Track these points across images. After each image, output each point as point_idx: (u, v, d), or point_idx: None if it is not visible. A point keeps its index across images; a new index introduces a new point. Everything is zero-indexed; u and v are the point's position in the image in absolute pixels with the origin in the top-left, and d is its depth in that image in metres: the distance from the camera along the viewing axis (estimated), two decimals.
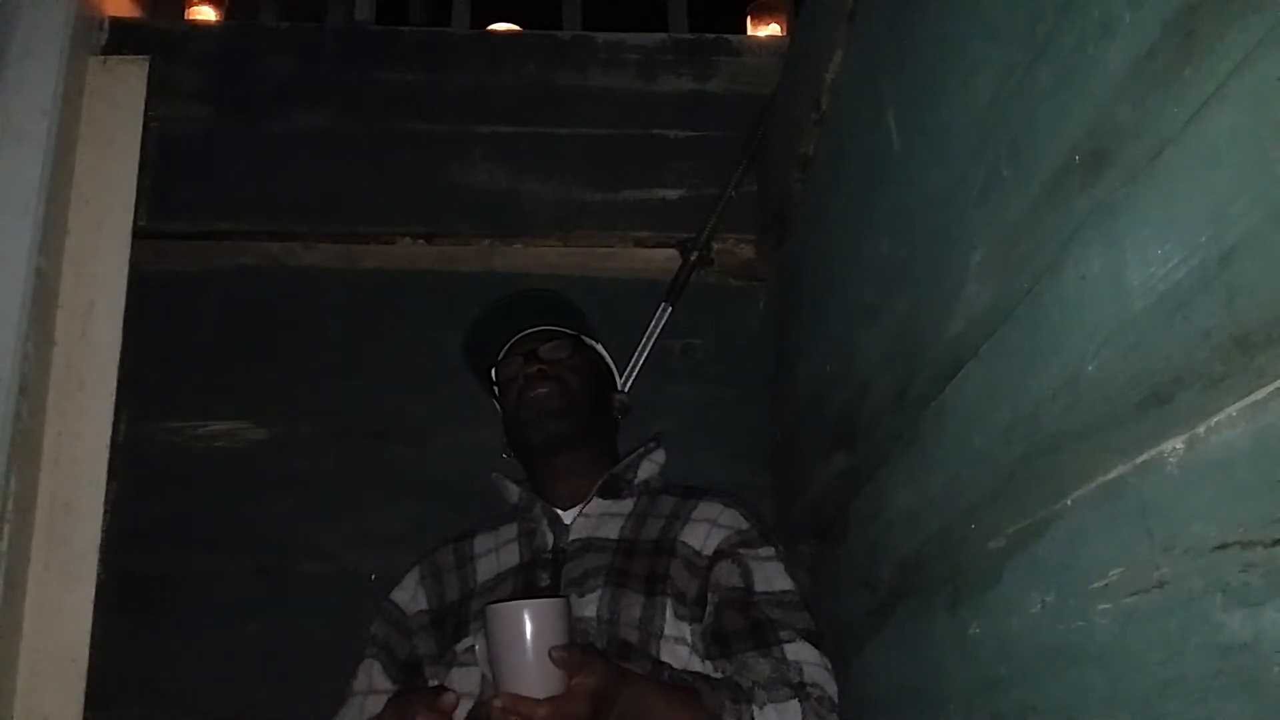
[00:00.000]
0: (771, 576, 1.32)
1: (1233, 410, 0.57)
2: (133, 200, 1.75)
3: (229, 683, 1.65)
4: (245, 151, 1.90)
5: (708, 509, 1.41)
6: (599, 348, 1.60)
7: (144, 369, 1.74)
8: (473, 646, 1.31)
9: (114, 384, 1.66)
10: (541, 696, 1.02)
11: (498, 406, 1.56)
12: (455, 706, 1.14)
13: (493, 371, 1.55)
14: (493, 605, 1.08)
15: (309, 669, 1.56)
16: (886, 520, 1.16)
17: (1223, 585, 0.57)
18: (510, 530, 1.47)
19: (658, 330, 1.81)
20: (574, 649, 1.05)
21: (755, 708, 1.17)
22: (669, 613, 1.30)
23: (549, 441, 1.44)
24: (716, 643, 1.27)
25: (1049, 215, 0.74)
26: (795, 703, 1.19)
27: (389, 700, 1.25)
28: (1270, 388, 0.54)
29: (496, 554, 1.44)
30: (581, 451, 1.45)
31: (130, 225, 1.74)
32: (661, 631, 1.29)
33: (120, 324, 1.68)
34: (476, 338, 1.57)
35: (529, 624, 1.04)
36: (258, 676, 1.66)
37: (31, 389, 1.54)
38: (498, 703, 1.03)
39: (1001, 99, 0.81)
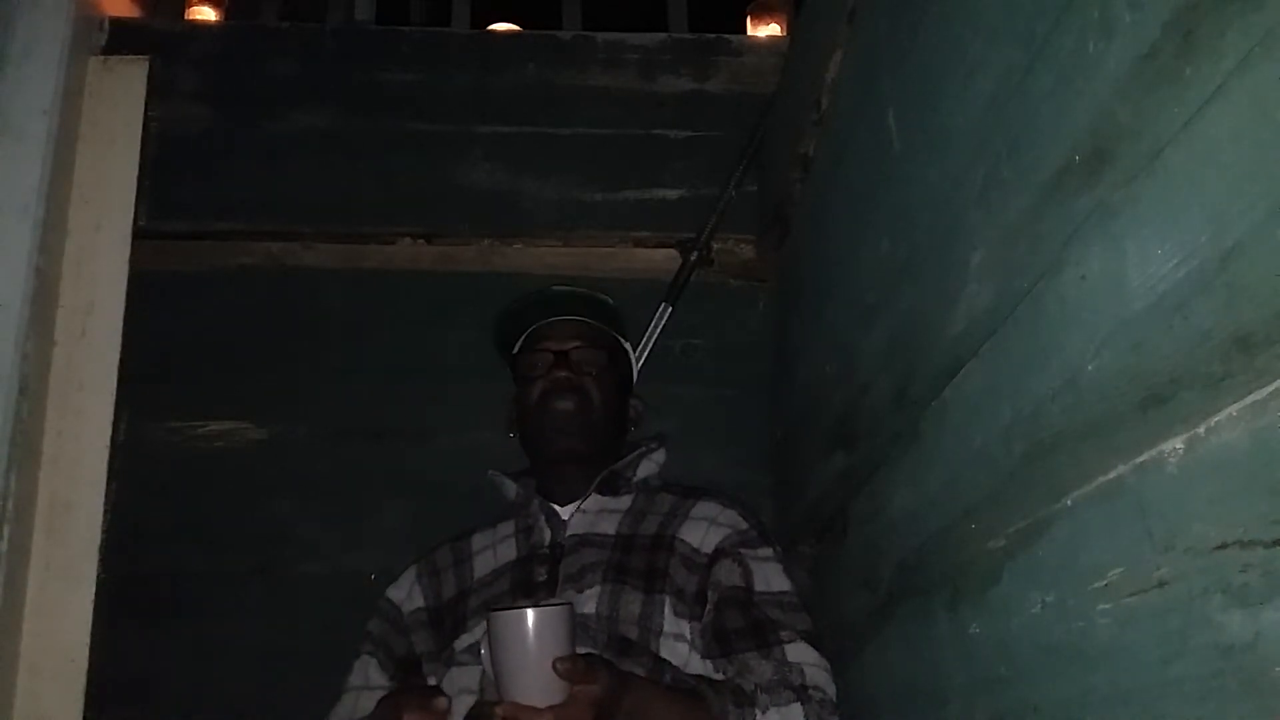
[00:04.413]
0: (770, 577, 1.32)
1: (1233, 410, 0.57)
2: (133, 200, 1.75)
3: (229, 683, 1.65)
4: (245, 151, 1.90)
5: (706, 508, 1.41)
6: (629, 349, 1.59)
7: (144, 369, 1.74)
8: (472, 645, 1.31)
9: (114, 384, 1.66)
10: (544, 704, 1.02)
11: (511, 374, 1.55)
12: (448, 709, 1.14)
13: (517, 344, 1.53)
14: (496, 612, 1.07)
15: (309, 669, 1.55)
16: (886, 520, 1.16)
17: (1223, 585, 0.57)
18: (507, 527, 1.47)
19: (658, 330, 1.81)
20: (577, 658, 1.05)
21: (758, 711, 1.17)
22: (668, 609, 1.31)
23: (564, 455, 1.44)
24: (716, 641, 1.27)
25: (1049, 215, 0.74)
26: (798, 705, 1.19)
27: (381, 699, 1.25)
28: (1270, 388, 0.54)
29: (494, 550, 1.45)
30: (592, 462, 1.45)
31: (130, 225, 1.74)
32: (661, 628, 1.30)
33: (120, 324, 1.69)
34: (516, 311, 1.53)
35: (532, 631, 1.04)
36: (258, 676, 1.66)
37: (31, 389, 1.54)
38: (500, 711, 1.03)
39: (1001, 99, 0.81)
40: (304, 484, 1.77)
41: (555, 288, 1.55)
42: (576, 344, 1.47)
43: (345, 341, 1.85)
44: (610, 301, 1.55)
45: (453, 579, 1.44)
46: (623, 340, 1.57)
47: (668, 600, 1.31)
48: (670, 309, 1.83)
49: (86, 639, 1.55)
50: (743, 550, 1.34)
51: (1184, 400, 0.60)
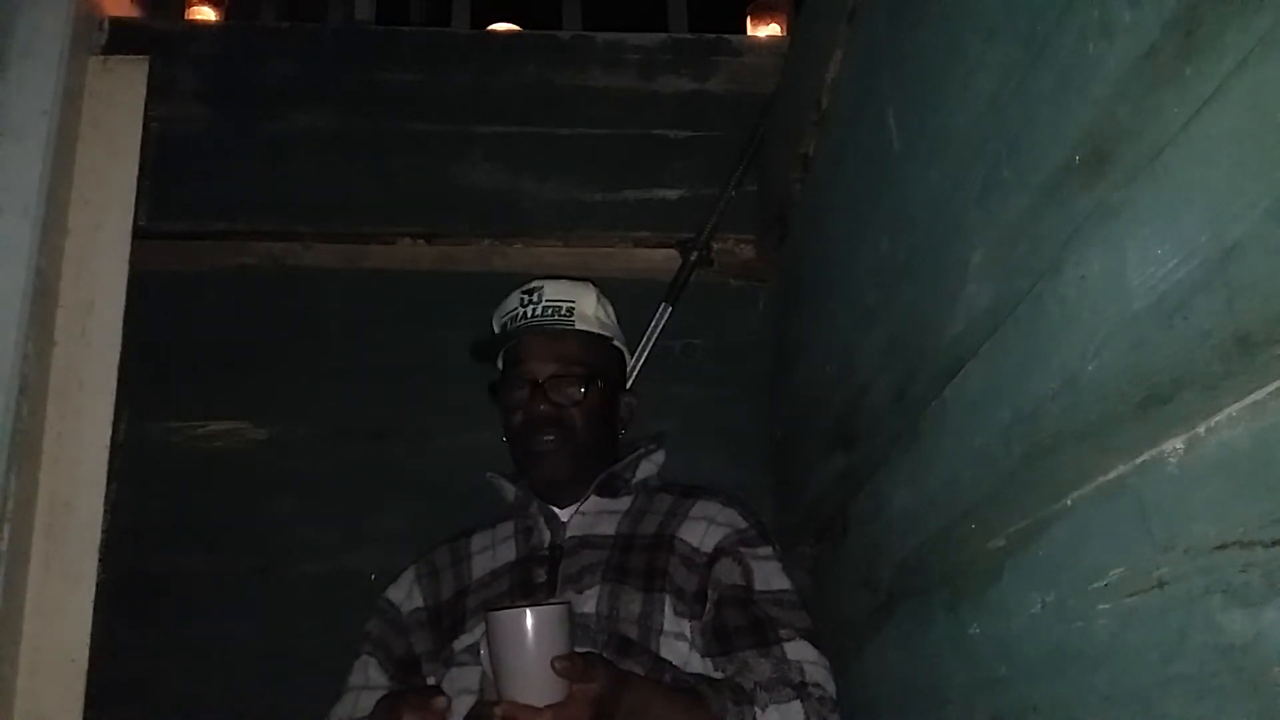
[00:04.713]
0: (770, 576, 1.32)
1: (1233, 410, 0.57)
2: (133, 200, 1.75)
3: (229, 683, 1.65)
4: (245, 151, 1.90)
5: (706, 507, 1.41)
6: (620, 346, 1.53)
7: (144, 369, 1.74)
8: (471, 645, 1.31)
9: (114, 384, 1.66)
10: (543, 703, 1.02)
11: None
12: (446, 708, 1.14)
13: (500, 359, 1.50)
14: (494, 612, 1.07)
15: (308, 669, 1.56)
16: (886, 520, 1.16)
17: (1223, 585, 0.57)
18: (507, 528, 1.47)
19: (658, 330, 1.81)
20: (576, 657, 1.05)
21: (758, 709, 1.17)
22: (668, 608, 1.31)
23: (549, 483, 1.42)
24: (716, 640, 1.27)
25: (1049, 215, 0.74)
26: (797, 703, 1.19)
27: (380, 699, 1.25)
28: (1270, 388, 0.54)
29: (493, 550, 1.45)
30: (584, 472, 1.43)
31: (130, 225, 1.74)
32: (661, 627, 1.29)
33: (120, 324, 1.69)
34: (495, 332, 1.50)
35: (530, 631, 1.04)
36: (257, 676, 1.66)
37: (31, 389, 1.55)
38: (499, 711, 1.03)
39: (1001, 99, 0.81)
40: (304, 484, 1.77)
41: (534, 295, 1.48)
42: (555, 368, 1.41)
43: (345, 341, 1.85)
44: (594, 310, 1.48)
45: (451, 579, 1.44)
46: (612, 339, 1.51)
47: (667, 599, 1.31)
48: (670, 309, 1.83)
49: (86, 639, 1.55)
50: (742, 549, 1.34)
51: (1184, 400, 0.60)
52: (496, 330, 1.51)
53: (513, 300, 1.50)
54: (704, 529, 1.37)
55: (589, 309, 1.48)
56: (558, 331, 1.44)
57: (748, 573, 1.32)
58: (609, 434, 1.48)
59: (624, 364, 1.56)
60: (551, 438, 1.39)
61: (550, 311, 1.45)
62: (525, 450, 1.42)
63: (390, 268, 1.90)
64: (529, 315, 1.46)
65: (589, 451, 1.43)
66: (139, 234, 1.76)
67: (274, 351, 1.83)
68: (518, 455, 1.45)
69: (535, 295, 1.48)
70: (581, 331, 1.46)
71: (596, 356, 1.46)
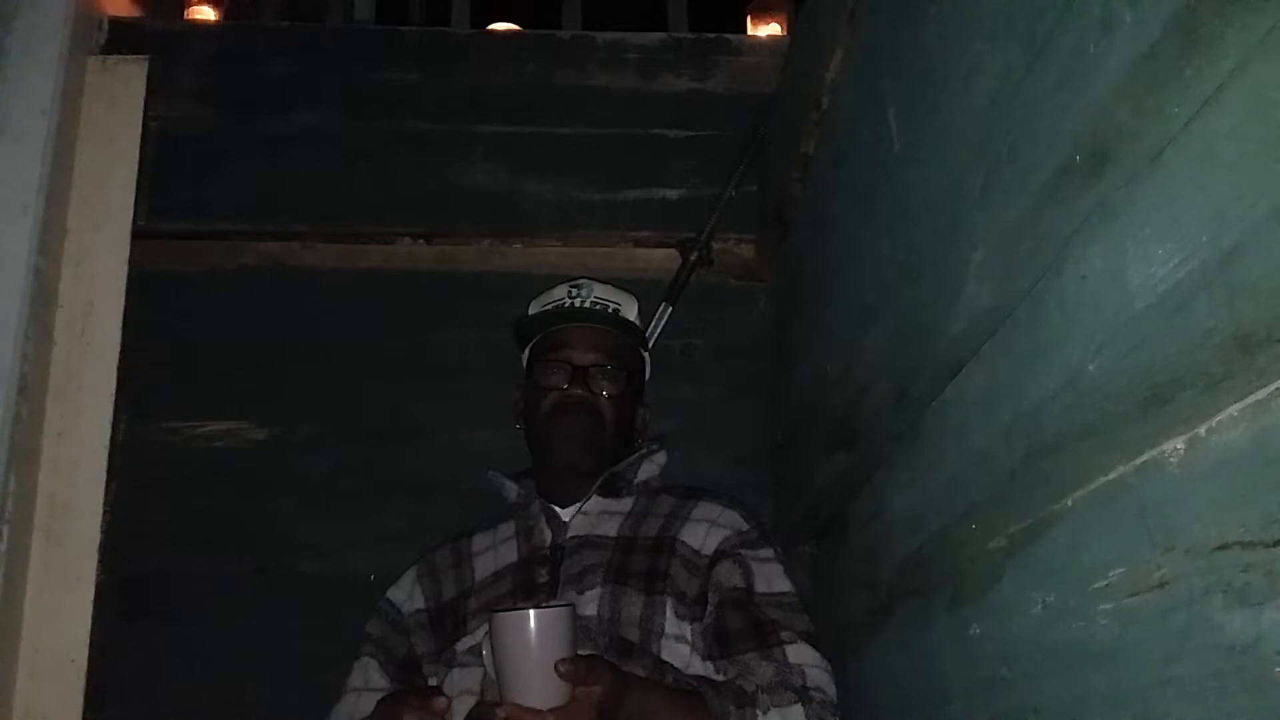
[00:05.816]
0: (771, 578, 1.32)
1: (1233, 410, 0.57)
2: (132, 200, 1.75)
3: (229, 683, 1.65)
4: (245, 151, 1.90)
5: (707, 509, 1.41)
6: (647, 359, 1.58)
7: (144, 369, 1.74)
8: (474, 646, 1.31)
9: (113, 384, 1.66)
10: (546, 706, 1.02)
11: (522, 362, 1.54)
12: (447, 709, 1.14)
13: (533, 342, 1.52)
14: (498, 613, 1.07)
15: (309, 669, 1.56)
16: (886, 520, 1.16)
17: (1223, 585, 0.57)
18: (508, 528, 1.47)
19: (658, 330, 1.81)
20: (579, 659, 1.05)
21: (759, 712, 1.17)
22: (669, 611, 1.31)
23: (568, 470, 1.44)
24: (717, 642, 1.27)
25: (1049, 215, 0.74)
26: (799, 706, 1.19)
27: (380, 700, 1.25)
28: (1271, 388, 0.54)
29: (494, 551, 1.45)
30: (592, 472, 1.45)
31: (130, 225, 1.74)
32: (662, 630, 1.30)
33: (120, 324, 1.68)
34: (544, 312, 1.51)
35: (534, 632, 1.04)
36: (258, 676, 1.66)
37: (31, 389, 1.54)
38: (501, 712, 1.03)
39: (1001, 99, 0.81)
40: (304, 484, 1.77)
41: (583, 290, 1.51)
42: (596, 359, 1.45)
43: (345, 341, 1.85)
44: (635, 320, 1.53)
45: (452, 579, 1.44)
46: (643, 351, 1.56)
47: (669, 602, 1.31)
48: (670, 309, 1.83)
49: (86, 639, 1.55)
50: (743, 551, 1.34)
51: (1185, 400, 0.60)
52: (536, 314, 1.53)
53: (559, 291, 1.53)
54: (705, 531, 1.37)
55: (632, 315, 1.53)
56: (603, 326, 1.48)
57: (749, 575, 1.32)
58: (626, 438, 1.50)
59: (645, 377, 1.58)
60: (582, 425, 1.42)
61: (598, 307, 1.49)
62: (552, 430, 1.43)
63: (390, 268, 1.90)
64: (576, 306, 1.49)
65: (609, 447, 1.45)
66: (138, 234, 1.76)
67: (274, 351, 1.83)
68: (540, 438, 1.45)
69: (583, 290, 1.52)
70: (624, 332, 1.50)
71: (633, 360, 1.51)
